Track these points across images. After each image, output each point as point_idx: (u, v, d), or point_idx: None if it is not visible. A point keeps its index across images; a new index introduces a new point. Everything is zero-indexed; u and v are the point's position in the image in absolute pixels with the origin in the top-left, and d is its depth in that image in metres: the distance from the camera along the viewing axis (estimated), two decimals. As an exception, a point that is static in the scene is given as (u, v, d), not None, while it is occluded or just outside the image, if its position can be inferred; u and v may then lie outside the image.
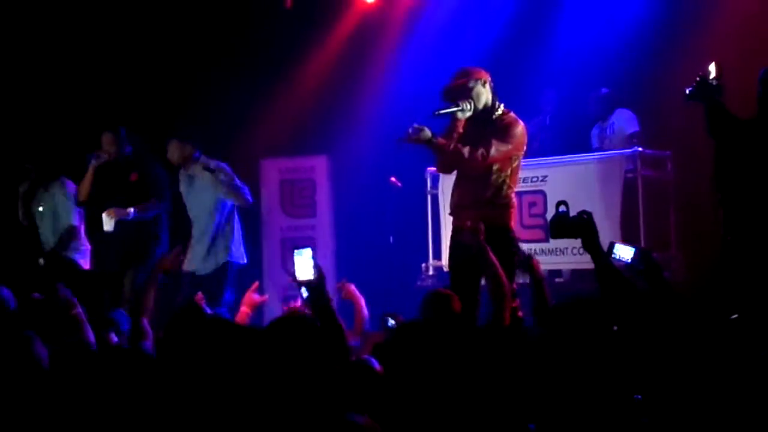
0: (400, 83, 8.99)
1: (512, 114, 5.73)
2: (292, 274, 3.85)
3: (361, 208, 8.89)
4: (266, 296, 6.30)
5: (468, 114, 5.67)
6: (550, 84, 8.45)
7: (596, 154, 7.54)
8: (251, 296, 5.45)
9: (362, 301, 5.73)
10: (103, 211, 7.17)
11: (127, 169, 7.37)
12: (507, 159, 5.63)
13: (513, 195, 5.71)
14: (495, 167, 5.60)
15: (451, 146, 5.57)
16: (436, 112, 5.66)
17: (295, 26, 9.22)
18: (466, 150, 5.53)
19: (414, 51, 9.04)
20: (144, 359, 3.21)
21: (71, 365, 2.75)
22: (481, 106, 5.67)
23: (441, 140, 5.55)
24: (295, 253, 3.91)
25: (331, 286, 8.60)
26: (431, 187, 8.05)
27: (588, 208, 6.09)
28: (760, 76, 5.51)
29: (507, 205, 5.63)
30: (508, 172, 5.65)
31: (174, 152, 7.18)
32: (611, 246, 3.75)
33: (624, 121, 7.80)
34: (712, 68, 5.40)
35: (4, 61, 8.92)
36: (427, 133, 5.48)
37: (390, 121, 8.98)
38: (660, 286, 3.36)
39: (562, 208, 3.53)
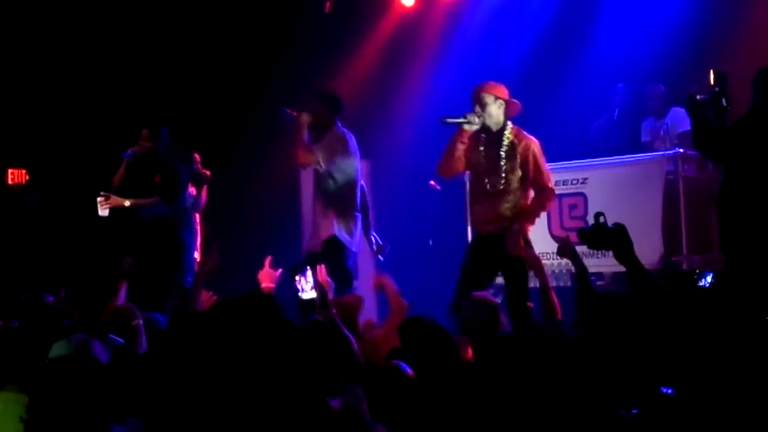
0: (440, 86, 9.00)
1: (522, 132, 5.89)
2: (298, 297, 3.96)
3: (400, 211, 8.90)
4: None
5: (475, 127, 5.74)
6: (620, 79, 8.35)
7: (636, 156, 7.47)
8: (271, 272, 5.16)
9: (393, 289, 5.41)
10: None
11: (155, 170, 7.35)
12: None
13: None
14: None
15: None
16: (444, 120, 5.73)
17: (334, 31, 9.26)
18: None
19: (453, 54, 9.04)
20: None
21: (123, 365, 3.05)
22: (492, 123, 5.85)
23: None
24: (298, 277, 4.06)
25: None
26: (470, 191, 8.04)
27: (629, 211, 6.13)
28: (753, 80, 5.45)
29: None
30: None
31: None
32: (693, 273, 3.75)
33: (678, 119, 7.63)
34: (710, 76, 5.35)
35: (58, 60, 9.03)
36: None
37: (430, 125, 8.99)
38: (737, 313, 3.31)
39: (601, 219, 3.42)
